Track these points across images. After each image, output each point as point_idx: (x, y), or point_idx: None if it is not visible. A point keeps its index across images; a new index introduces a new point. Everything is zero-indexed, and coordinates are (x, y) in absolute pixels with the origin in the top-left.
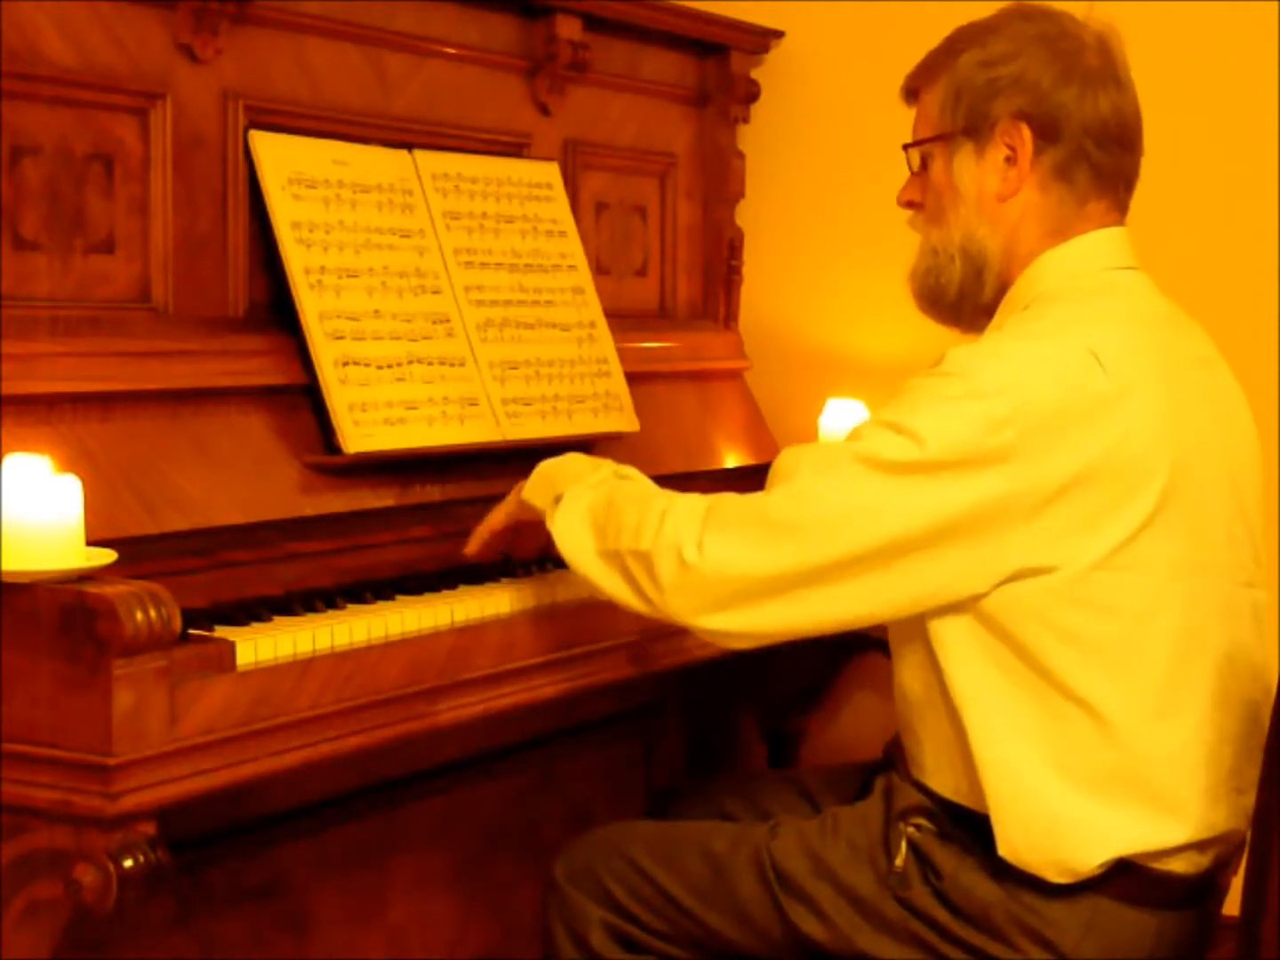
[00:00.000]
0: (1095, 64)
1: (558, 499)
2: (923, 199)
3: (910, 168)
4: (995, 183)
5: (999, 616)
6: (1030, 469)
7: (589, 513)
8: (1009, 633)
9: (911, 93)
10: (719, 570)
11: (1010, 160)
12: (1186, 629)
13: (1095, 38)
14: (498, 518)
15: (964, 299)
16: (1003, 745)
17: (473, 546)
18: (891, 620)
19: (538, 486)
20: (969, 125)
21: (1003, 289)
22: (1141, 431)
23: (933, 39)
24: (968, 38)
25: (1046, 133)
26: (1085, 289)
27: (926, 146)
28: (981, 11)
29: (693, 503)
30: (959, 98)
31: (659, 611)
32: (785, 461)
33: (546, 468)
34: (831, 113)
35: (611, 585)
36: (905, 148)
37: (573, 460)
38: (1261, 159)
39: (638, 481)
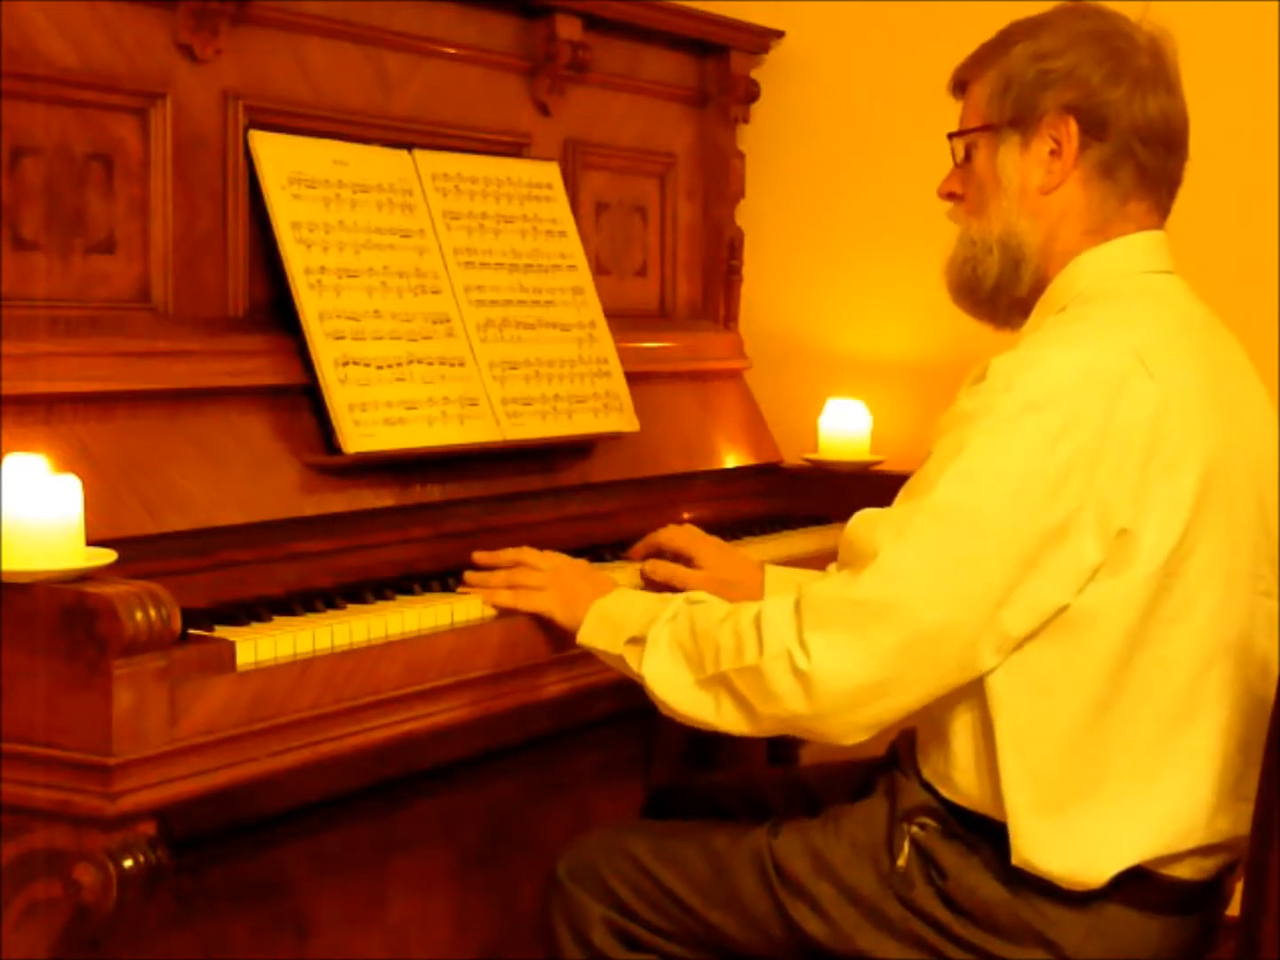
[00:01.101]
0: (1147, 65)
1: (633, 640)
2: (964, 191)
3: (954, 159)
4: (1039, 175)
5: (1051, 626)
6: (1090, 479)
7: (676, 648)
8: (1057, 642)
9: (960, 85)
10: (835, 673)
11: (1055, 154)
12: (1212, 636)
13: (1148, 39)
14: (529, 605)
15: (1000, 292)
16: (1028, 757)
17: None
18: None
19: (599, 629)
20: (1016, 116)
21: (1039, 285)
22: (1183, 435)
23: (933, 39)
24: (1020, 31)
25: (1093, 129)
26: (1124, 291)
27: (971, 137)
28: (982, 11)
29: (781, 604)
30: (1007, 89)
31: (779, 725)
32: (860, 535)
33: (605, 608)
34: (831, 113)
35: (716, 714)
36: (950, 137)
37: (633, 598)
38: (1262, 159)
39: (712, 602)
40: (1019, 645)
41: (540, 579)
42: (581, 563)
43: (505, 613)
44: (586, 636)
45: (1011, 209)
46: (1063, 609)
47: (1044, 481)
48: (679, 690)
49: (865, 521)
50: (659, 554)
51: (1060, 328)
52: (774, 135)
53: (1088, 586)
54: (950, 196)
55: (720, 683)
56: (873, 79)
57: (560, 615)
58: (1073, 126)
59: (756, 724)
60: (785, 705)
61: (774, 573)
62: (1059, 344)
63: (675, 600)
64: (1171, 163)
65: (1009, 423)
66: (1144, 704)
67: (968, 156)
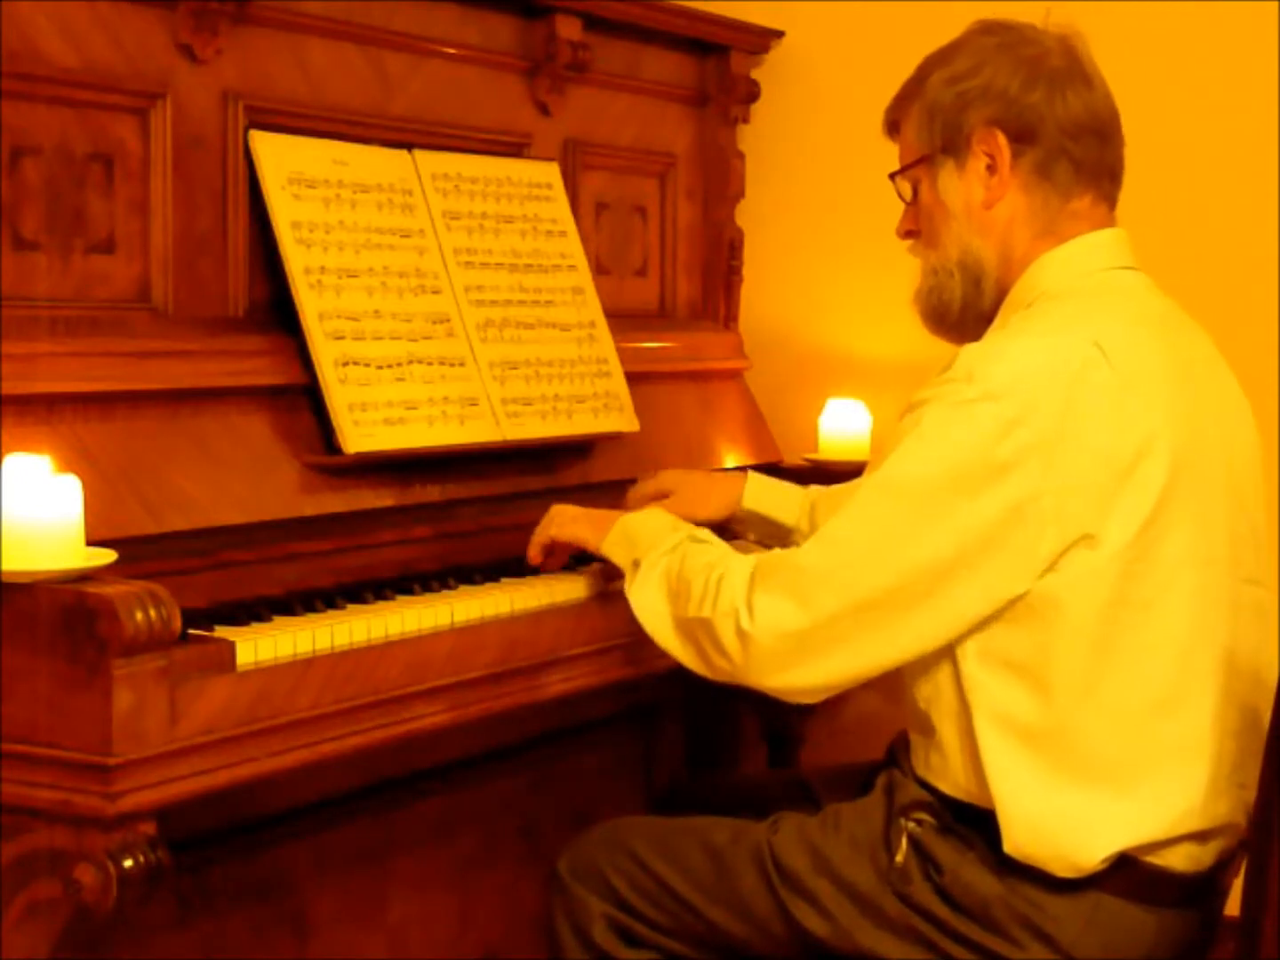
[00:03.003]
0: (1060, 65)
1: (635, 564)
2: (918, 226)
3: (902, 198)
4: (980, 192)
5: (1016, 611)
6: (1047, 467)
7: (664, 580)
8: (1025, 628)
9: (892, 126)
10: (771, 630)
11: (991, 168)
12: (1193, 621)
13: (1057, 41)
14: (565, 533)
15: (967, 310)
16: (1011, 742)
17: (534, 554)
18: (951, 643)
19: (618, 543)
20: (946, 142)
21: (1001, 295)
22: (1147, 423)
23: (933, 39)
24: (933, 61)
25: (1022, 135)
26: (1087, 288)
27: (912, 173)
28: (980, 11)
29: (743, 564)
30: (932, 118)
31: (729, 677)
32: (820, 510)
33: (628, 525)
34: (831, 113)
35: (686, 654)
36: (891, 177)
37: (653, 520)
38: (1261, 159)
39: (711, 545)
40: (979, 628)
41: (574, 512)
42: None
43: (504, 613)
44: (607, 546)
45: (962, 230)
46: (1022, 596)
47: (995, 462)
48: (657, 621)
49: (826, 497)
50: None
51: (1024, 322)
52: (774, 135)
53: (1047, 574)
54: (909, 234)
55: (686, 627)
56: (873, 79)
57: (590, 536)
58: (1001, 138)
59: (711, 671)
60: (731, 659)
61: (755, 478)
62: (1020, 337)
63: (681, 532)
64: (1107, 152)
65: (964, 407)
66: (1130, 689)
67: (915, 193)
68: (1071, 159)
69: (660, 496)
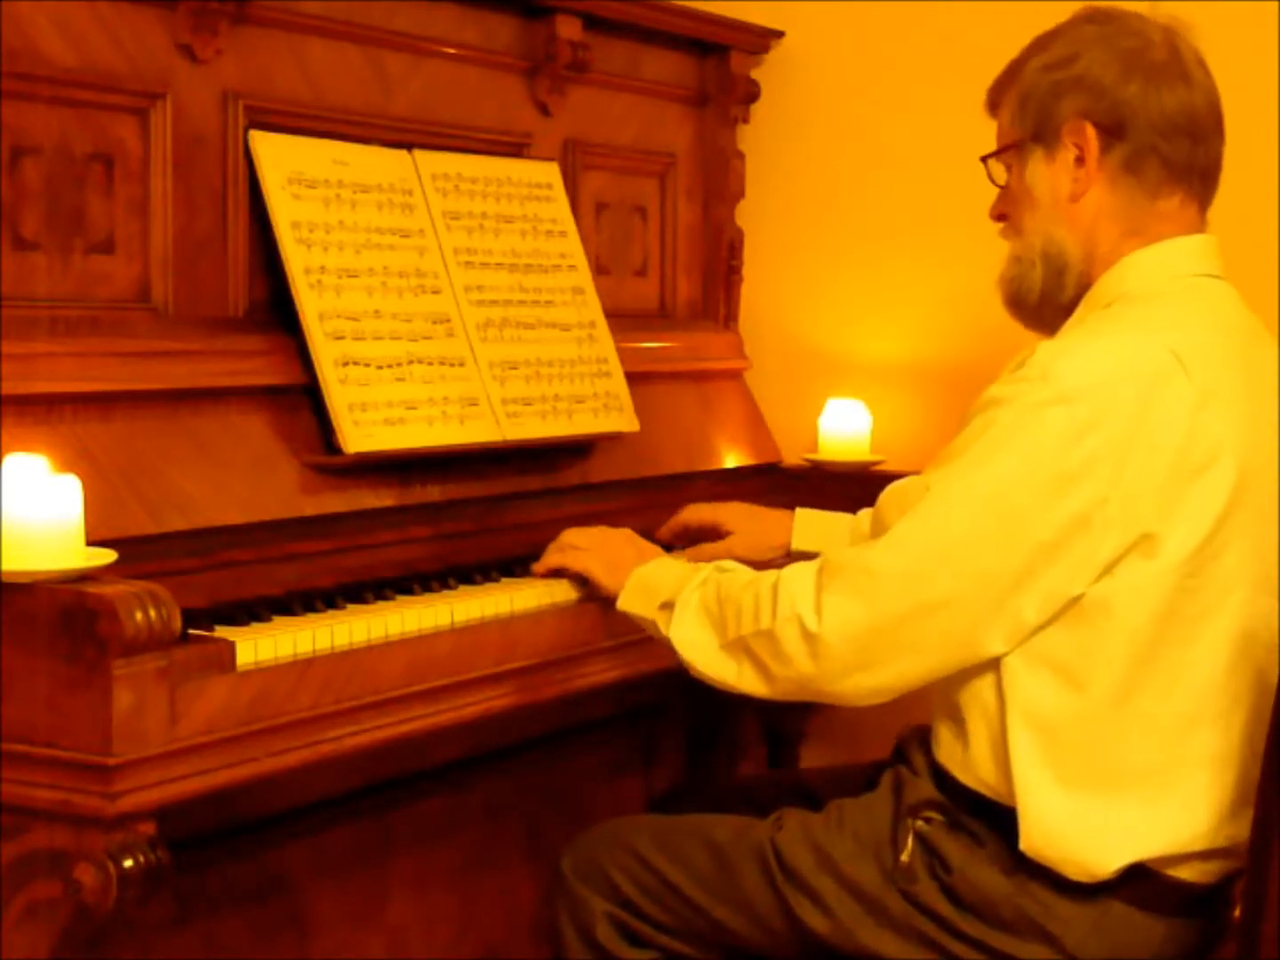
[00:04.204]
0: (1160, 59)
1: (665, 605)
2: (1009, 211)
3: (995, 182)
4: (1066, 183)
5: (1066, 613)
6: (1116, 473)
7: (703, 612)
8: (1073, 629)
9: (993, 105)
10: (839, 631)
11: (1079, 160)
12: (1238, 641)
13: (1162, 34)
14: (577, 565)
15: (1045, 301)
16: (1042, 741)
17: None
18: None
19: (636, 595)
20: (1037, 130)
21: (1084, 289)
22: (1218, 437)
23: (933, 39)
24: (1034, 45)
25: (1112, 129)
26: (1170, 292)
27: (1005, 157)
28: (982, 11)
29: (802, 570)
30: (1025, 104)
31: (794, 688)
32: (886, 507)
33: (643, 575)
34: (831, 113)
35: (738, 677)
36: (983, 160)
37: (669, 565)
38: (1261, 159)
39: (740, 570)
40: (1033, 633)
41: (587, 540)
42: (626, 530)
43: (504, 613)
44: (625, 603)
45: (1046, 220)
46: (1077, 598)
47: (1066, 471)
48: (703, 653)
49: (891, 494)
50: (685, 533)
51: (1101, 323)
52: (774, 135)
53: (1103, 578)
54: (1001, 218)
55: (740, 646)
56: (873, 79)
57: (603, 578)
58: (1090, 131)
59: (773, 686)
60: (796, 667)
61: (803, 516)
62: (1097, 338)
63: (706, 567)
64: (1199, 152)
65: (1037, 411)
66: (1165, 702)
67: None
68: (1162, 157)
69: (716, 525)
